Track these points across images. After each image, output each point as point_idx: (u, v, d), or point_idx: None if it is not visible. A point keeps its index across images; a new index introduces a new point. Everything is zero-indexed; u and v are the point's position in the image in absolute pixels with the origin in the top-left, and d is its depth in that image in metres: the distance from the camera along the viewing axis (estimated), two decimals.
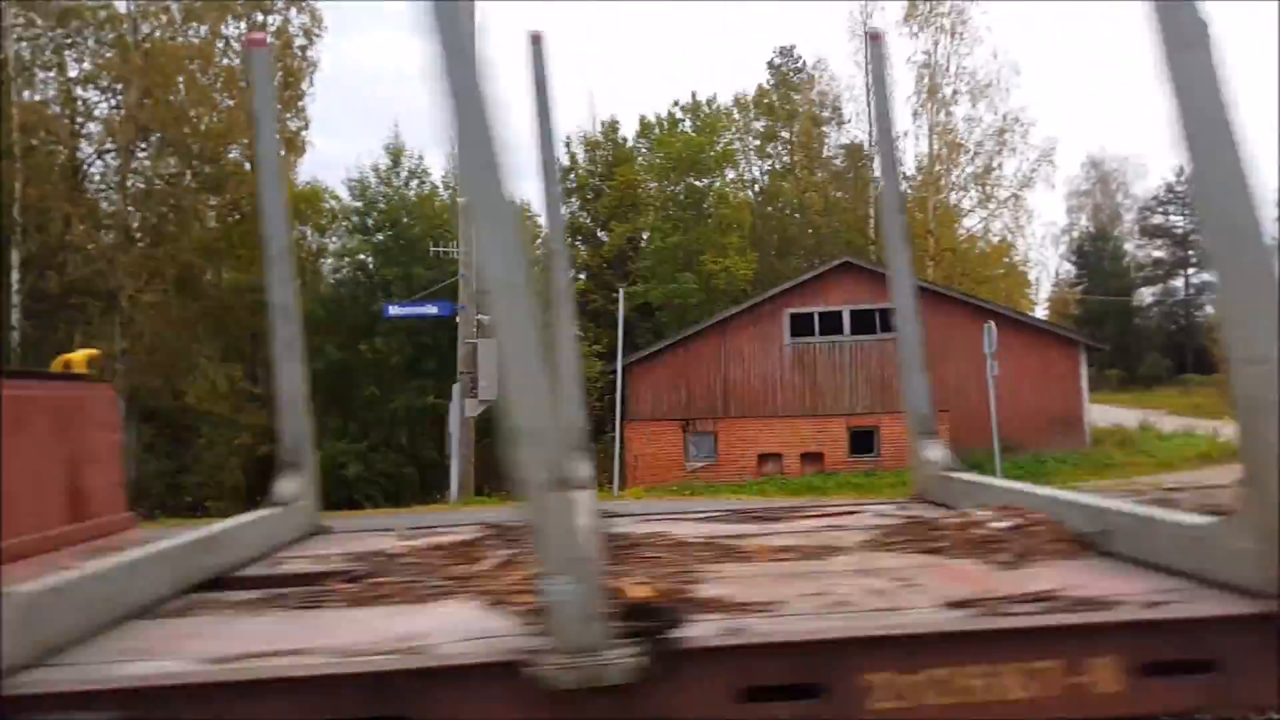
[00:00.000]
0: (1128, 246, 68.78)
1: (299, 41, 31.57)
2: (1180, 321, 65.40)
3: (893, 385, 24.45)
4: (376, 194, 30.48)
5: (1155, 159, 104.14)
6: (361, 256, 30.16)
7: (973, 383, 21.17)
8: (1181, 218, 66.36)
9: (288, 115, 32.06)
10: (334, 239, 32.53)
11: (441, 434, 24.71)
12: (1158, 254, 68.17)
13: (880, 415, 24.31)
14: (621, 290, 27.47)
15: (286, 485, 3.52)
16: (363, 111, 72.24)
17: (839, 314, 24.79)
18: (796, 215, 41.37)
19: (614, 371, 25.05)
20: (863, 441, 24.46)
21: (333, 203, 32.04)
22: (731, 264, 33.64)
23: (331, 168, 60.49)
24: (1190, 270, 66.25)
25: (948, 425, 23.18)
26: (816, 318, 24.80)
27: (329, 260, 32.65)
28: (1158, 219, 67.64)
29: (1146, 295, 68.20)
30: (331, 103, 73.17)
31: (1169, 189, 66.85)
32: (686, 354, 25.45)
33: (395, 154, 31.66)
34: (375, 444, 27.25)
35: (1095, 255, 66.41)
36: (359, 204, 30.61)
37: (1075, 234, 67.90)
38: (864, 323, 24.58)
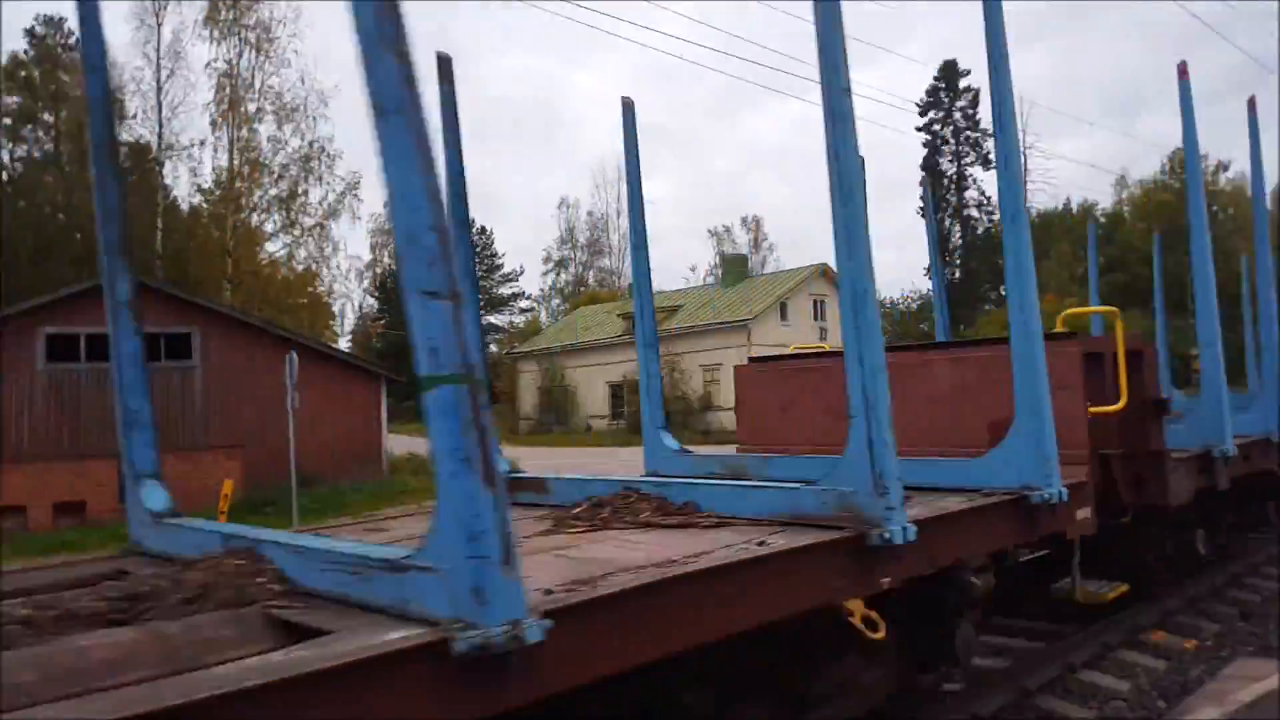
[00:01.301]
0: None
1: None
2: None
3: (177, 420, 21.54)
4: None
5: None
6: None
7: (272, 415, 19.94)
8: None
9: None
10: None
11: None
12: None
13: (164, 453, 21.28)
14: None
15: None
16: None
17: None
18: (61, 216, 34.69)
19: None
20: None
21: None
22: None
23: None
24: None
25: (241, 463, 21.51)
26: (84, 340, 20.59)
27: None
28: None
29: None
30: None
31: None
32: None
33: None
34: None
35: (398, 291, 70.71)
36: None
37: (379, 269, 71.05)
38: (147, 348, 21.33)
